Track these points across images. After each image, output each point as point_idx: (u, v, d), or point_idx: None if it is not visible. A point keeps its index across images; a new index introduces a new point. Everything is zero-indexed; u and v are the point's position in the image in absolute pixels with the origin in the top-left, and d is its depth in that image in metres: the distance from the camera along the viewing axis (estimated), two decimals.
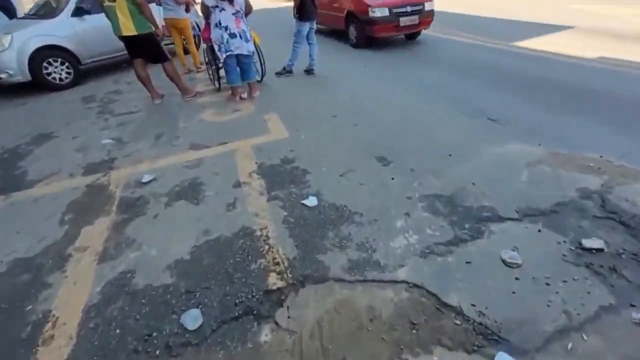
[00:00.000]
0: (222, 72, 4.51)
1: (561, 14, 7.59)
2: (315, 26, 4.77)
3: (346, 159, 2.75)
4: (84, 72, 5.65)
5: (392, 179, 2.47)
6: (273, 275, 1.76)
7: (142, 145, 3.29)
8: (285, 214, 2.19)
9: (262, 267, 1.81)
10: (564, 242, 1.83)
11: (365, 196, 2.30)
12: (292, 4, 4.63)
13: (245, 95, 4.27)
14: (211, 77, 4.75)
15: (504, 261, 1.74)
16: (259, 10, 12.88)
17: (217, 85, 4.66)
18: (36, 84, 5.07)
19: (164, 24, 5.29)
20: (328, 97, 4.15)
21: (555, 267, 1.70)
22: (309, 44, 4.86)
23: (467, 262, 1.76)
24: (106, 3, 3.64)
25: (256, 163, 2.81)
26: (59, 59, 5.16)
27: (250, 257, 1.87)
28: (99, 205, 2.44)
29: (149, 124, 3.78)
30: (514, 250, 1.79)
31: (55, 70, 5.17)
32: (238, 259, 1.86)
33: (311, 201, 2.28)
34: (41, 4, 5.93)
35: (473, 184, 2.34)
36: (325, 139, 3.12)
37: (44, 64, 5.04)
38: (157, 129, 3.62)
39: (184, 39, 5.51)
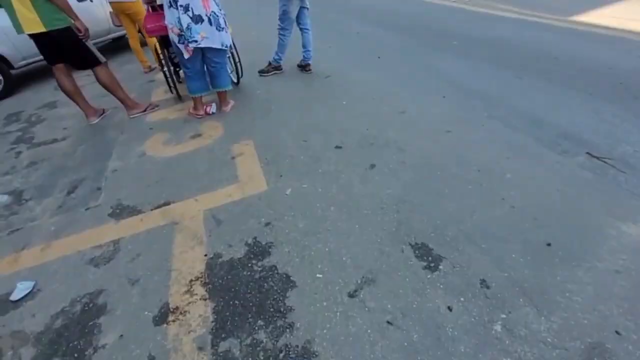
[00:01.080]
0: (182, 74, 3.30)
1: None
2: (307, 4, 3.44)
3: (359, 247, 1.58)
4: (20, 77, 4.45)
5: (449, 309, 1.29)
6: None
7: (43, 208, 2.14)
8: None
9: None
10: None
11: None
12: None
13: (212, 110, 3.06)
14: (168, 82, 3.48)
15: None
16: None
17: (176, 93, 3.44)
18: None
19: (111, 10, 4.07)
20: (328, 111, 2.91)
21: None
22: (300, 29, 3.56)
23: None
24: None
25: (206, 255, 1.65)
26: None
27: None
28: None
29: (70, 162, 2.61)
30: None
31: None
32: None
33: None
34: None
35: (617, 332, 1.16)
36: (324, 197, 1.93)
37: None
38: (76, 172, 2.46)
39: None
